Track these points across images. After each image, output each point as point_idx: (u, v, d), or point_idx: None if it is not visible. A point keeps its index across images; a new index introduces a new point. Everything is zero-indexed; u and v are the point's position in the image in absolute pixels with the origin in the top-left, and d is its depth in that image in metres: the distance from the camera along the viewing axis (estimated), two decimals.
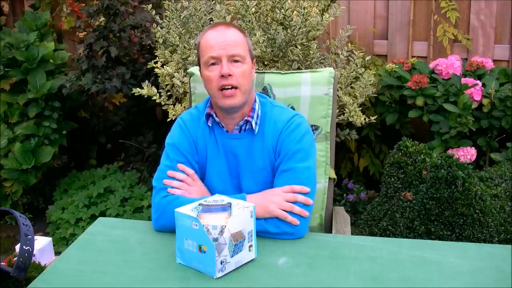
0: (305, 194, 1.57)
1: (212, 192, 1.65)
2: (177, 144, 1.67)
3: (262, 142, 1.66)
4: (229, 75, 1.57)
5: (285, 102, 1.93)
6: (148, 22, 3.37)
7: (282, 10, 2.61)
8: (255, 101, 1.69)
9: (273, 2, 2.67)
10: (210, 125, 1.69)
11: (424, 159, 2.45)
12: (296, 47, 2.66)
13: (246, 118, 1.65)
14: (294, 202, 1.55)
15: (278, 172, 1.63)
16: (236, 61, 1.59)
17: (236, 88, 1.58)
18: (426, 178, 2.34)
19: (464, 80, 2.99)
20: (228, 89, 1.58)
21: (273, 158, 1.66)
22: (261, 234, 1.51)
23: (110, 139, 3.80)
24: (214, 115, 1.67)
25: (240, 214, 1.36)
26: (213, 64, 1.59)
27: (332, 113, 1.98)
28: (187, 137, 1.68)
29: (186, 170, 1.65)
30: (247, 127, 1.67)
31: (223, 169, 1.69)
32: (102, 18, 3.28)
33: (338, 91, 2.50)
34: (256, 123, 1.66)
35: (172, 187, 1.62)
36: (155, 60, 2.89)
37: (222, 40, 1.58)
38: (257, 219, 1.45)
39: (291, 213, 1.53)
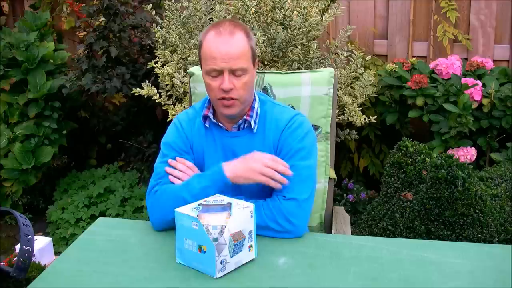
0: (305, 192, 1.57)
1: None
2: (171, 143, 1.68)
3: (262, 141, 1.66)
4: (231, 89, 1.56)
5: (285, 102, 1.93)
6: (148, 22, 3.37)
7: (282, 10, 2.61)
8: (254, 99, 1.69)
9: (273, 2, 2.67)
10: (208, 126, 1.69)
11: (424, 159, 2.45)
12: (296, 47, 2.66)
13: (245, 117, 1.65)
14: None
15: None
16: (239, 74, 1.57)
17: (236, 99, 1.58)
18: (426, 178, 2.34)
19: (464, 80, 2.99)
20: (227, 99, 1.58)
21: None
22: (261, 231, 1.51)
23: (110, 139, 3.80)
24: (212, 117, 1.67)
25: (240, 214, 1.36)
26: (214, 74, 1.57)
27: (332, 113, 1.98)
28: (182, 136, 1.68)
29: (186, 163, 1.65)
30: (245, 125, 1.67)
31: None
32: (102, 18, 3.28)
33: (338, 91, 2.50)
34: (255, 122, 1.66)
35: (174, 179, 1.62)
36: (155, 60, 2.89)
37: (225, 52, 1.54)
38: (255, 204, 1.45)
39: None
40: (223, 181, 1.52)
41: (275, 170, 1.53)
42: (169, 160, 1.65)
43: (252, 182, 1.53)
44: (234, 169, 1.53)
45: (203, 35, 1.60)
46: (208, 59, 1.57)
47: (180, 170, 1.63)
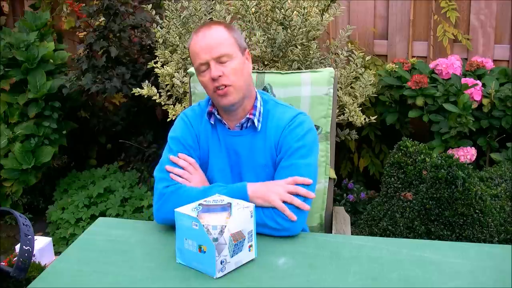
0: (307, 186, 1.57)
1: None
2: (180, 137, 1.68)
3: (264, 139, 1.66)
4: (220, 76, 1.58)
5: (285, 102, 1.93)
6: (148, 22, 3.37)
7: (282, 10, 2.61)
8: (256, 98, 1.69)
9: (273, 2, 2.67)
10: (213, 122, 1.69)
11: (424, 159, 2.45)
12: (296, 47, 2.66)
13: (248, 115, 1.66)
14: (295, 195, 1.55)
15: (279, 168, 1.63)
16: (224, 60, 1.59)
17: (229, 86, 1.59)
18: (426, 178, 2.34)
19: (464, 80, 2.99)
20: (220, 88, 1.59)
21: (275, 155, 1.66)
22: (259, 228, 1.50)
23: (110, 139, 3.80)
24: (216, 113, 1.68)
25: (240, 214, 1.36)
26: (203, 69, 1.61)
27: (332, 113, 1.98)
28: (190, 131, 1.69)
29: (188, 159, 1.66)
30: (248, 124, 1.68)
31: (224, 167, 1.69)
32: (102, 18, 3.28)
33: (338, 91, 2.50)
34: (258, 121, 1.66)
35: (174, 174, 1.63)
36: (155, 60, 2.89)
37: (205, 44, 1.59)
38: (256, 207, 1.45)
39: (291, 207, 1.53)
40: (243, 198, 1.52)
41: (296, 194, 1.55)
42: (171, 157, 1.65)
43: (269, 205, 1.53)
44: (256, 189, 1.54)
45: (188, 42, 1.67)
46: (194, 57, 1.62)
47: (181, 166, 1.64)
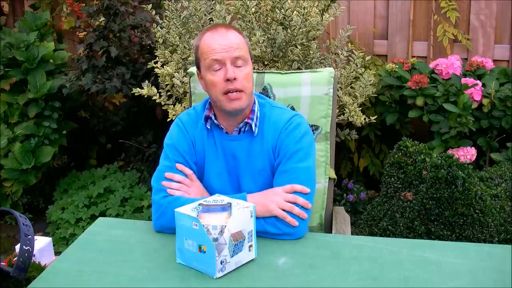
0: (305, 194, 1.57)
1: (211, 193, 1.65)
2: (176, 144, 1.67)
3: (261, 143, 1.66)
4: (235, 78, 1.56)
5: (285, 102, 1.93)
6: (148, 22, 3.37)
7: (282, 10, 2.61)
8: (254, 102, 1.69)
9: (273, 2, 2.67)
10: (209, 127, 1.69)
11: (424, 159, 2.45)
12: (296, 47, 2.66)
13: (246, 120, 1.65)
14: (294, 203, 1.55)
15: (277, 173, 1.63)
16: (240, 64, 1.59)
17: (241, 91, 1.58)
18: (426, 178, 2.35)
19: (464, 80, 2.99)
20: (233, 92, 1.58)
21: (273, 158, 1.66)
22: (261, 234, 1.51)
23: (110, 139, 3.80)
24: (213, 118, 1.67)
25: (240, 214, 1.36)
26: (216, 67, 1.58)
27: (332, 113, 1.98)
28: (186, 137, 1.68)
29: (185, 170, 1.65)
30: (246, 129, 1.67)
31: (222, 171, 1.69)
32: (102, 18, 3.28)
33: (338, 91, 2.50)
34: (255, 125, 1.66)
35: (171, 189, 1.62)
36: (155, 60, 2.89)
37: (224, 42, 1.57)
38: (257, 218, 1.45)
39: (290, 213, 1.54)
40: None
41: (295, 203, 1.55)
42: (166, 174, 1.64)
43: (269, 214, 1.54)
44: (255, 200, 1.54)
45: (199, 39, 1.64)
46: (208, 52, 1.58)
47: (177, 180, 1.63)
